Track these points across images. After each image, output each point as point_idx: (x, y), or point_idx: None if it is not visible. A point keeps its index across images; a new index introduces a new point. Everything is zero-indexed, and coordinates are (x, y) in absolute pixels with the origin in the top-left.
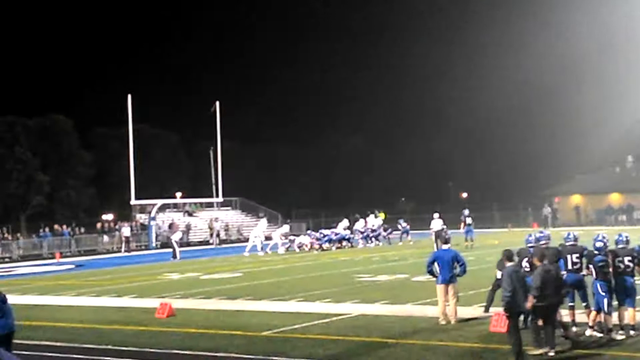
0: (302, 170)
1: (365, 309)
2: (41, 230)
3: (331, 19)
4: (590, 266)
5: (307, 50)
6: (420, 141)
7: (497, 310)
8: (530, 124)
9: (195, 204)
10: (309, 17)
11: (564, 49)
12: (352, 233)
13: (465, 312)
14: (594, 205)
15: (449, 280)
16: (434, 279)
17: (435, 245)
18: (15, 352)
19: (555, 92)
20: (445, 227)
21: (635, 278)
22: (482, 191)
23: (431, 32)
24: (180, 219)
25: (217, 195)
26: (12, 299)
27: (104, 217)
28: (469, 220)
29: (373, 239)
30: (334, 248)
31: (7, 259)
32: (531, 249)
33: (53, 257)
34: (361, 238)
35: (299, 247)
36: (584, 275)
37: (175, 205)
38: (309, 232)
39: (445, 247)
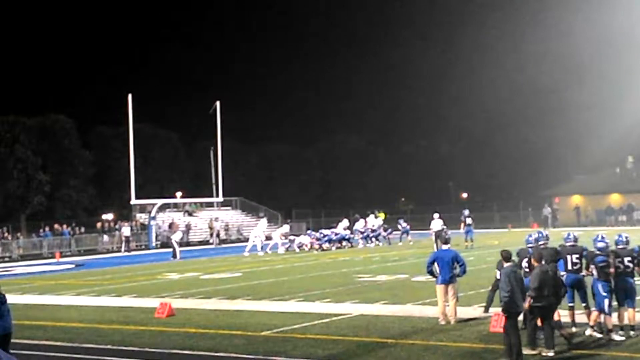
0: (302, 170)
1: (365, 309)
2: (41, 230)
3: (332, 19)
4: (591, 266)
5: (307, 50)
6: (421, 141)
7: (497, 310)
8: (530, 124)
9: (195, 203)
10: (310, 17)
11: (564, 49)
12: (352, 233)
13: (465, 312)
14: (594, 205)
15: (448, 280)
16: (434, 279)
17: (435, 245)
18: (15, 351)
19: (556, 93)
20: (445, 227)
21: (635, 279)
22: (482, 191)
23: (432, 32)
24: (180, 218)
25: (217, 195)
26: (12, 299)
27: (104, 216)
28: (469, 221)
29: (373, 239)
30: (334, 248)
31: (7, 259)
32: (530, 250)
33: (53, 257)
34: (361, 238)
35: (299, 247)
36: (583, 275)
37: (175, 205)
38: (309, 232)
39: (445, 247)
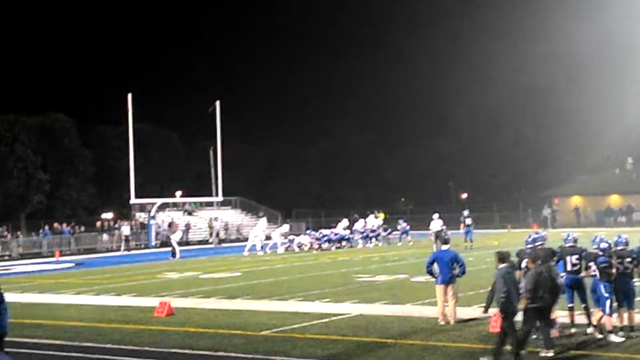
0: (302, 170)
1: (365, 309)
2: (41, 229)
3: (332, 19)
4: (592, 267)
5: (307, 50)
6: (420, 141)
7: (496, 311)
8: (530, 125)
9: (194, 203)
10: (310, 17)
11: (564, 50)
12: (351, 233)
13: (465, 312)
14: (594, 206)
15: (448, 280)
16: (434, 279)
17: (434, 245)
18: (14, 350)
19: (556, 94)
20: (444, 227)
21: (635, 280)
22: (482, 192)
23: (432, 32)
24: (179, 218)
25: (217, 195)
26: (11, 297)
27: (104, 215)
28: (468, 221)
29: (372, 239)
30: (333, 248)
31: (6, 257)
32: (529, 250)
33: (53, 256)
34: (361, 238)
35: (298, 247)
36: (583, 276)
37: (175, 204)
38: (308, 231)
39: (444, 247)
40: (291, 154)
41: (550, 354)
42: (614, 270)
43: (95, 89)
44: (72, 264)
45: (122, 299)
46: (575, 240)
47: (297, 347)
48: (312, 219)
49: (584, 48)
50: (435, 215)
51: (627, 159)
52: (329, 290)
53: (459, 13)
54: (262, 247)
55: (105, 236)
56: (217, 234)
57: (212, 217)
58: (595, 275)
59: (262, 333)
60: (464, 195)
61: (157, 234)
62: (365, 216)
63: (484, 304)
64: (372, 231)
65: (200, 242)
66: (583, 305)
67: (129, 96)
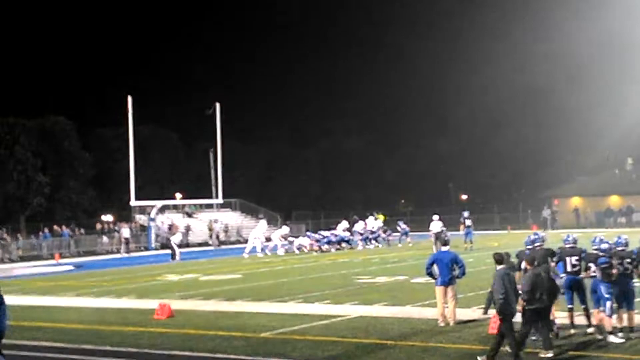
0: (301, 171)
1: (364, 311)
2: (41, 231)
3: (332, 20)
4: (592, 267)
5: (307, 51)
6: (420, 142)
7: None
8: (530, 126)
9: (194, 205)
10: (310, 17)
11: (564, 50)
12: (351, 235)
13: (464, 313)
14: (594, 207)
15: (448, 282)
16: (433, 280)
17: (434, 246)
18: (14, 353)
19: (556, 94)
20: (444, 228)
21: (634, 281)
22: (482, 193)
23: (432, 32)
24: (179, 220)
25: (217, 197)
26: (11, 300)
27: (104, 218)
28: (468, 222)
29: (372, 240)
30: (333, 250)
31: (6, 260)
32: (528, 252)
33: (52, 258)
34: (360, 240)
35: (298, 249)
36: (582, 277)
37: (174, 207)
38: (308, 233)
39: (444, 248)
40: (291, 154)
41: (550, 354)
42: (614, 271)
43: (95, 91)
44: (72, 267)
45: (122, 302)
46: (575, 241)
47: (297, 349)
48: (312, 221)
49: (584, 48)
50: (435, 217)
51: (626, 159)
52: (328, 292)
53: (459, 13)
54: (262, 249)
55: (105, 238)
56: (217, 236)
57: (212, 219)
58: (595, 276)
59: (262, 335)
60: (464, 197)
61: (157, 236)
62: (365, 218)
63: (483, 306)
64: (372, 233)
65: (200, 244)
66: (583, 306)
67: (129, 98)
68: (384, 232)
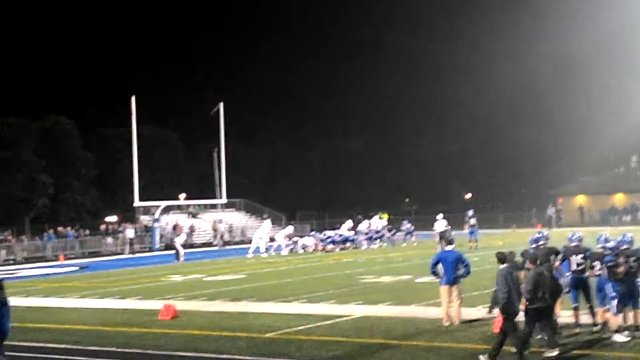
0: (305, 171)
1: (369, 311)
2: (45, 232)
3: (334, 21)
4: (596, 266)
5: (311, 53)
6: (425, 142)
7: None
8: (534, 125)
9: (198, 205)
10: (312, 18)
11: (568, 48)
12: (355, 234)
13: (469, 313)
14: (598, 205)
15: (452, 281)
16: (438, 280)
17: (439, 246)
18: (19, 354)
19: (560, 93)
20: (449, 228)
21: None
22: (486, 192)
23: (432, 32)
24: (184, 220)
25: (221, 197)
26: (16, 301)
27: (108, 219)
28: (473, 221)
29: (377, 240)
30: (337, 249)
31: (11, 261)
32: (533, 250)
33: (57, 259)
34: (365, 239)
35: (302, 249)
36: (587, 276)
37: (179, 207)
38: (312, 233)
39: (449, 248)
40: (294, 155)
41: (555, 353)
42: (621, 269)
43: (96, 91)
44: (77, 268)
45: (127, 302)
46: (580, 240)
47: (301, 349)
48: (316, 221)
49: (588, 47)
50: (440, 216)
51: (631, 157)
52: (333, 292)
53: (459, 13)
54: (266, 249)
55: (109, 239)
56: (222, 237)
57: (216, 219)
58: (599, 275)
59: (267, 335)
60: (468, 196)
61: (162, 236)
62: (369, 217)
63: (488, 305)
64: (377, 232)
65: (204, 245)
66: (588, 305)
67: (133, 99)
68: (389, 231)
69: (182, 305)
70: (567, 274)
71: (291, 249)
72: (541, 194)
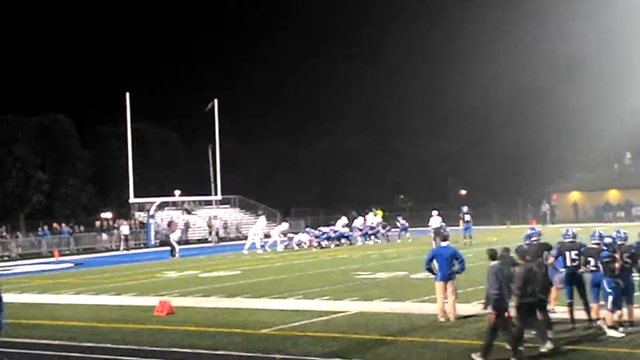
0: (300, 168)
1: (364, 307)
2: (40, 229)
3: (332, 19)
4: (591, 262)
5: (307, 50)
6: (419, 139)
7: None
8: (528, 122)
9: (194, 202)
10: (310, 17)
11: (560, 47)
12: (350, 230)
13: (464, 309)
14: (592, 202)
15: (447, 277)
16: (433, 276)
17: (433, 242)
18: (14, 350)
19: (553, 90)
20: (443, 224)
21: (634, 274)
22: (481, 188)
23: (430, 30)
24: (179, 217)
25: (216, 193)
26: (10, 298)
27: (103, 215)
28: (467, 218)
29: (372, 236)
30: (332, 245)
31: (6, 258)
32: (526, 247)
33: (52, 256)
34: (360, 235)
35: (298, 245)
36: (582, 272)
37: (174, 203)
38: (307, 229)
39: (444, 244)
40: (290, 152)
41: (549, 345)
42: (617, 265)
43: (94, 88)
44: (72, 264)
45: (122, 299)
46: (574, 236)
47: (297, 345)
48: (311, 217)
49: (582, 45)
50: (434, 212)
51: (625, 154)
52: (328, 288)
53: (459, 13)
54: (261, 246)
55: (104, 236)
56: (217, 233)
57: (212, 215)
58: (594, 270)
59: (262, 331)
60: (463, 192)
61: (157, 233)
62: (364, 214)
63: (483, 301)
64: (371, 228)
65: (199, 241)
66: (582, 301)
67: (127, 95)
68: (383, 227)
69: (177, 301)
70: (562, 269)
71: (286, 245)
72: (536, 191)
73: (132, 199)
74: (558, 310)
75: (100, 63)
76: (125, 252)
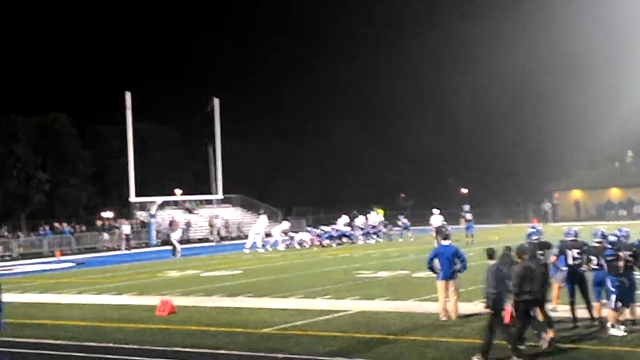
0: (301, 167)
1: (366, 306)
2: (41, 228)
3: (332, 18)
4: (593, 260)
5: (308, 49)
6: (421, 137)
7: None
8: (530, 120)
9: (195, 201)
10: (310, 16)
11: (562, 46)
12: (352, 229)
13: (466, 308)
14: (594, 200)
15: (449, 276)
16: (435, 275)
17: (435, 241)
18: (16, 350)
19: (555, 89)
20: (445, 222)
21: (635, 273)
22: (482, 187)
23: (432, 28)
24: (180, 216)
25: (217, 192)
26: (12, 298)
27: (104, 214)
28: (469, 216)
29: (373, 235)
30: (334, 244)
31: (7, 257)
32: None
33: (53, 255)
34: (361, 234)
35: (299, 244)
36: (584, 270)
37: (175, 203)
38: (309, 228)
39: (445, 243)
40: (291, 151)
41: (549, 336)
42: (621, 264)
43: (94, 88)
44: (73, 264)
45: (123, 298)
46: (576, 234)
47: (299, 344)
48: (312, 216)
49: (583, 43)
50: (436, 211)
51: (627, 152)
52: (330, 287)
53: (458, 13)
54: (262, 245)
55: (105, 235)
56: (218, 232)
57: (213, 215)
58: (596, 269)
59: (264, 330)
60: (464, 191)
61: (158, 232)
62: (366, 213)
63: (484, 299)
64: (373, 227)
65: (200, 240)
66: (584, 300)
67: (127, 94)
68: (385, 226)
69: (179, 300)
70: (564, 268)
71: (288, 245)
72: (537, 189)
73: (133, 199)
74: (560, 309)
75: (101, 62)
76: (126, 251)
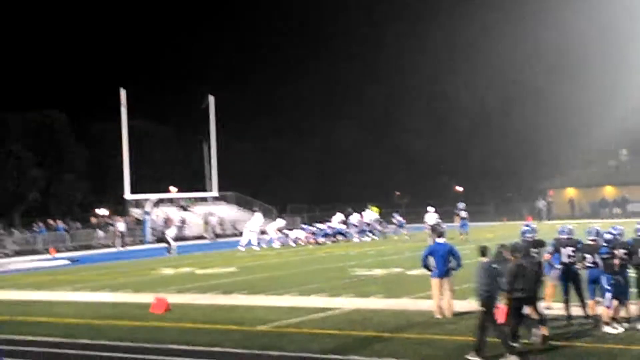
0: (296, 164)
1: (361, 303)
2: (36, 226)
3: (329, 16)
4: (588, 258)
5: (303, 47)
6: (415, 135)
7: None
8: (524, 118)
9: (190, 198)
10: (307, 14)
11: (556, 45)
12: (347, 227)
13: (460, 305)
14: (588, 198)
15: (444, 274)
16: (429, 272)
17: (430, 239)
18: (10, 347)
19: (550, 87)
20: (440, 220)
21: (629, 271)
22: (477, 185)
23: (427, 27)
24: (175, 213)
25: (212, 190)
26: (6, 295)
27: (99, 212)
28: (463, 214)
29: (368, 233)
30: (329, 242)
31: (1, 254)
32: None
33: (48, 252)
34: (356, 232)
35: (294, 242)
36: (578, 268)
37: (170, 200)
38: (303, 226)
39: (440, 240)
40: (286, 149)
41: (541, 332)
42: (616, 262)
43: (90, 84)
44: (68, 261)
45: (118, 296)
46: (570, 232)
47: (293, 342)
48: (307, 214)
49: (578, 42)
50: (431, 209)
51: (621, 150)
52: (325, 285)
53: (459, 13)
54: (257, 242)
55: (100, 232)
56: (213, 229)
57: (208, 212)
58: (590, 267)
59: (259, 328)
60: (459, 189)
61: (153, 229)
62: (361, 210)
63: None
64: (368, 225)
65: (195, 238)
66: (578, 297)
67: (122, 91)
68: (380, 224)
69: (174, 298)
70: (558, 266)
71: (283, 242)
72: (532, 187)
73: (128, 196)
74: (554, 307)
75: (97, 59)
76: (121, 248)
